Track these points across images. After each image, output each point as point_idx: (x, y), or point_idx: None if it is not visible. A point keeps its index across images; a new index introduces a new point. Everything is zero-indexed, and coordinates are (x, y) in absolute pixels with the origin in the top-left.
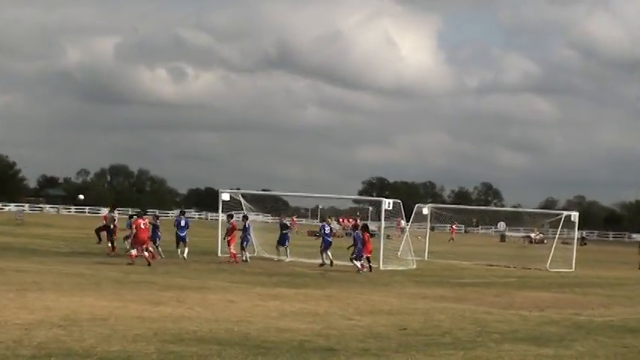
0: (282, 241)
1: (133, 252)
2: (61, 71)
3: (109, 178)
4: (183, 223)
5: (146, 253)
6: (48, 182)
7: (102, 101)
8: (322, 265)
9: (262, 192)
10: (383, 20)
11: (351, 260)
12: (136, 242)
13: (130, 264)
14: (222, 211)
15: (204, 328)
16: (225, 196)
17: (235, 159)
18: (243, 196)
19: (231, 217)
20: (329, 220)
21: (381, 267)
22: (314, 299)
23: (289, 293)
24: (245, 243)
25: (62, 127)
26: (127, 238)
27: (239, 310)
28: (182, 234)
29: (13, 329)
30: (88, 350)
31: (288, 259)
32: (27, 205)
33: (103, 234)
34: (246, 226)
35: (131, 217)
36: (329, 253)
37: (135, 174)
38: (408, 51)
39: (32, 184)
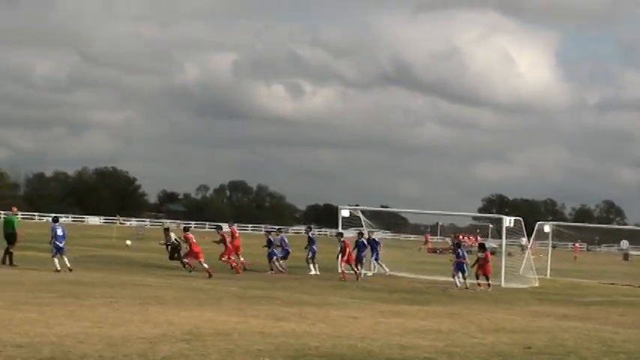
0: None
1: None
2: (179, 87)
3: (228, 193)
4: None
5: (205, 265)
6: (168, 197)
7: (220, 117)
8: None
9: (381, 208)
10: (499, 36)
11: (477, 277)
12: (190, 255)
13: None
14: (342, 228)
15: (326, 344)
16: (344, 213)
17: (353, 175)
18: (363, 212)
19: (221, 229)
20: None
21: (503, 284)
22: (436, 316)
23: (411, 310)
24: (361, 258)
25: (181, 142)
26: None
27: (361, 327)
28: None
29: (138, 343)
30: None
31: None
32: (148, 220)
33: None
34: (361, 242)
35: (186, 229)
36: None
37: (254, 190)
38: (526, 67)
39: (152, 199)
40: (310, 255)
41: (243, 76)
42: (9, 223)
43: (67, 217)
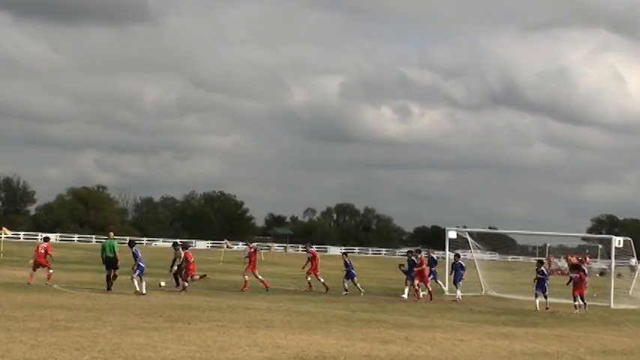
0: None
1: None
2: (286, 111)
3: (335, 216)
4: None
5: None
6: (275, 221)
7: (327, 140)
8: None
9: (489, 230)
10: (609, 55)
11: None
12: (187, 276)
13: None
14: (449, 249)
15: None
16: (452, 234)
17: (461, 197)
18: (470, 234)
19: (186, 248)
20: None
21: (612, 306)
22: (544, 338)
23: (519, 332)
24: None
25: (288, 166)
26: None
27: (468, 350)
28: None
29: None
30: None
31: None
32: (255, 243)
33: None
34: (459, 264)
35: (185, 247)
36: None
37: (361, 212)
38: (636, 86)
39: (260, 222)
40: (432, 277)
41: (351, 98)
42: (107, 248)
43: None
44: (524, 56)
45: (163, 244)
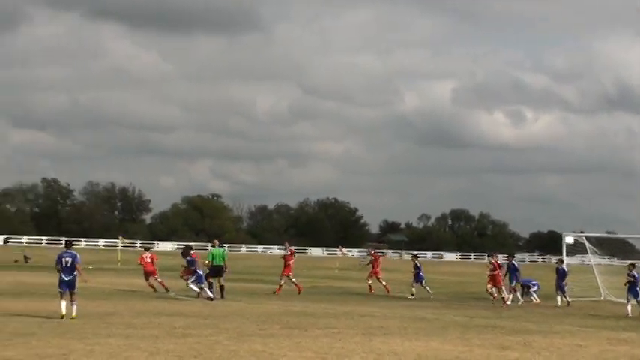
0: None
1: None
2: (398, 116)
3: (449, 222)
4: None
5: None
6: (390, 227)
7: (440, 145)
8: None
9: (607, 235)
10: None
11: None
12: (187, 273)
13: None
14: (566, 254)
15: None
16: (569, 239)
17: (577, 201)
18: (588, 239)
19: (190, 249)
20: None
21: None
22: None
23: (639, 338)
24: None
25: (401, 172)
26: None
27: (587, 355)
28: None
29: None
30: None
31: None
32: (379, 251)
33: None
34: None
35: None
36: None
37: (476, 218)
38: None
39: (374, 229)
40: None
41: (463, 103)
42: (217, 257)
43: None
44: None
45: (278, 251)
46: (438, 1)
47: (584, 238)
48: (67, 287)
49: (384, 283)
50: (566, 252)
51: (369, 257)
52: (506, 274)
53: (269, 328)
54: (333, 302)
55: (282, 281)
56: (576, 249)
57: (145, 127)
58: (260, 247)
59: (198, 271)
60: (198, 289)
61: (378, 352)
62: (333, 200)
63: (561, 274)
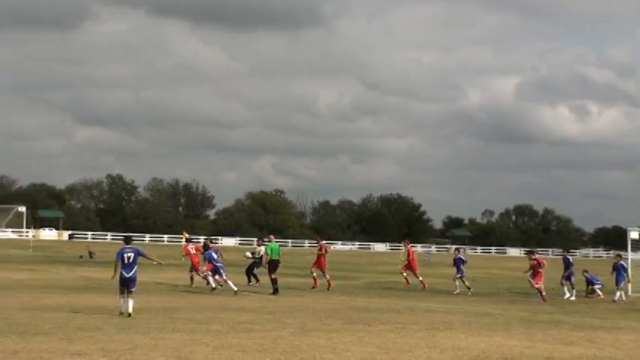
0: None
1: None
2: (461, 112)
3: (513, 217)
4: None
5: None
6: (453, 223)
7: (503, 140)
8: None
9: None
10: None
11: None
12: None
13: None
14: (631, 250)
15: None
16: (634, 235)
17: None
18: None
19: (209, 244)
20: None
21: None
22: None
23: None
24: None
25: (465, 167)
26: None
27: None
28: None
29: None
30: None
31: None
32: (433, 245)
33: None
34: (620, 264)
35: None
36: None
37: (540, 213)
38: None
39: (437, 224)
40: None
41: (527, 99)
42: (274, 252)
43: (354, 245)
44: None
45: (342, 247)
46: None
47: None
48: (127, 284)
49: (420, 278)
50: (631, 247)
51: (406, 252)
52: (566, 270)
53: (332, 323)
54: (397, 297)
55: (315, 274)
56: None
57: (208, 123)
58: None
59: (217, 264)
60: (213, 283)
61: (442, 347)
62: (397, 196)
63: (620, 270)
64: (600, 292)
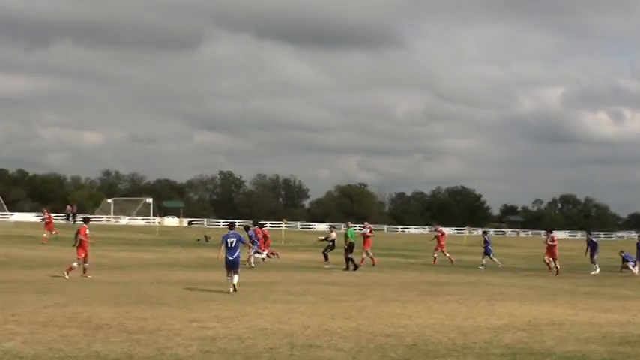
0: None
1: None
2: (515, 118)
3: (559, 206)
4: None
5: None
6: (509, 210)
7: (551, 141)
8: None
9: None
10: None
11: None
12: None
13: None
14: None
15: None
16: None
17: None
18: None
19: (251, 226)
20: None
21: None
22: None
23: None
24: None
25: (518, 164)
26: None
27: None
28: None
29: (485, 332)
30: (548, 350)
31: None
32: (492, 230)
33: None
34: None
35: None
36: None
37: (582, 202)
38: None
39: (495, 212)
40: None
41: (571, 106)
42: (352, 235)
43: (424, 229)
44: None
45: (415, 231)
46: (550, 19)
47: None
48: (232, 266)
49: (447, 255)
50: None
51: (436, 233)
52: (587, 250)
53: (407, 295)
54: (461, 273)
55: (364, 255)
56: None
57: (304, 128)
58: (400, 228)
59: (257, 243)
60: (260, 257)
61: (499, 314)
62: (461, 188)
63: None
64: (633, 269)
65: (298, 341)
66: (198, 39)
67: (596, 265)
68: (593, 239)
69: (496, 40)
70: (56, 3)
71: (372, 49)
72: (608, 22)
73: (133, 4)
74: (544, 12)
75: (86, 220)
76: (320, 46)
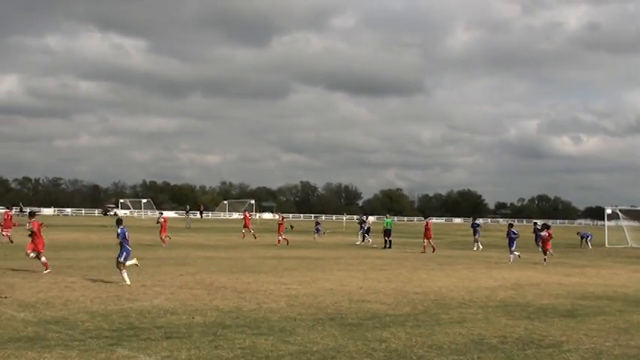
0: None
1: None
2: (505, 141)
3: (536, 202)
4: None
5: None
6: (501, 206)
7: (530, 157)
8: None
9: (632, 208)
10: None
11: None
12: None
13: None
14: (607, 220)
15: (598, 290)
16: (608, 211)
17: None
18: (621, 211)
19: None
20: None
21: None
22: None
23: None
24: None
25: (507, 173)
26: None
27: (620, 279)
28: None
29: (485, 290)
30: (529, 303)
31: None
32: (489, 219)
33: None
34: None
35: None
36: None
37: (552, 199)
38: None
39: (491, 207)
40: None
41: (544, 132)
42: (389, 224)
43: (441, 219)
44: None
45: (436, 220)
46: (529, 72)
47: (617, 210)
48: None
49: (432, 243)
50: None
51: (424, 222)
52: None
53: (430, 265)
54: (467, 250)
55: (425, 242)
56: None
57: (358, 150)
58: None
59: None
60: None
61: (495, 277)
62: (467, 190)
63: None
64: (589, 243)
65: (355, 297)
66: (286, 90)
67: (480, 244)
68: (514, 230)
69: (491, 88)
70: (188, 68)
71: (405, 95)
72: (569, 74)
73: (240, 67)
74: (524, 68)
75: (32, 215)
76: (369, 94)
